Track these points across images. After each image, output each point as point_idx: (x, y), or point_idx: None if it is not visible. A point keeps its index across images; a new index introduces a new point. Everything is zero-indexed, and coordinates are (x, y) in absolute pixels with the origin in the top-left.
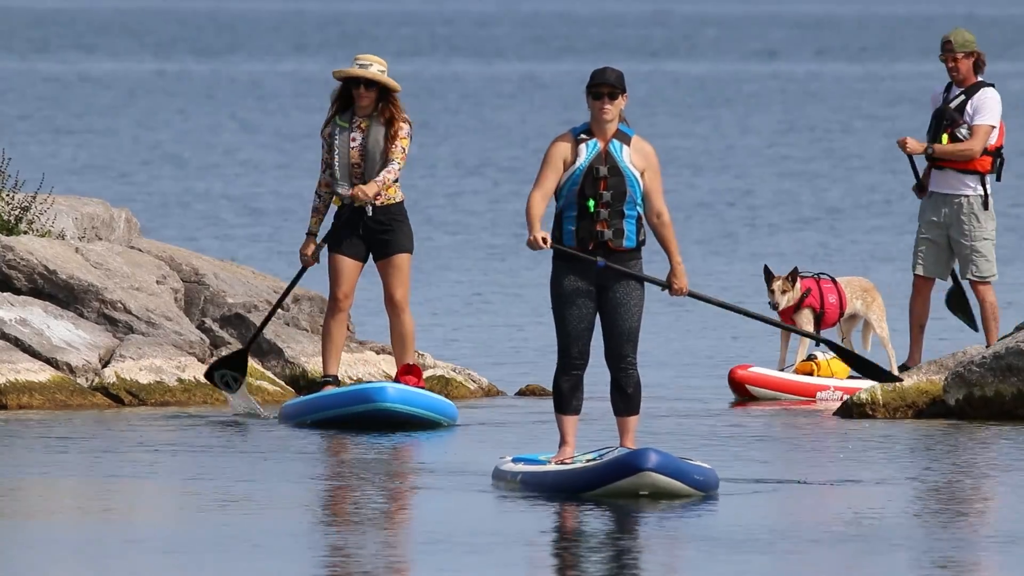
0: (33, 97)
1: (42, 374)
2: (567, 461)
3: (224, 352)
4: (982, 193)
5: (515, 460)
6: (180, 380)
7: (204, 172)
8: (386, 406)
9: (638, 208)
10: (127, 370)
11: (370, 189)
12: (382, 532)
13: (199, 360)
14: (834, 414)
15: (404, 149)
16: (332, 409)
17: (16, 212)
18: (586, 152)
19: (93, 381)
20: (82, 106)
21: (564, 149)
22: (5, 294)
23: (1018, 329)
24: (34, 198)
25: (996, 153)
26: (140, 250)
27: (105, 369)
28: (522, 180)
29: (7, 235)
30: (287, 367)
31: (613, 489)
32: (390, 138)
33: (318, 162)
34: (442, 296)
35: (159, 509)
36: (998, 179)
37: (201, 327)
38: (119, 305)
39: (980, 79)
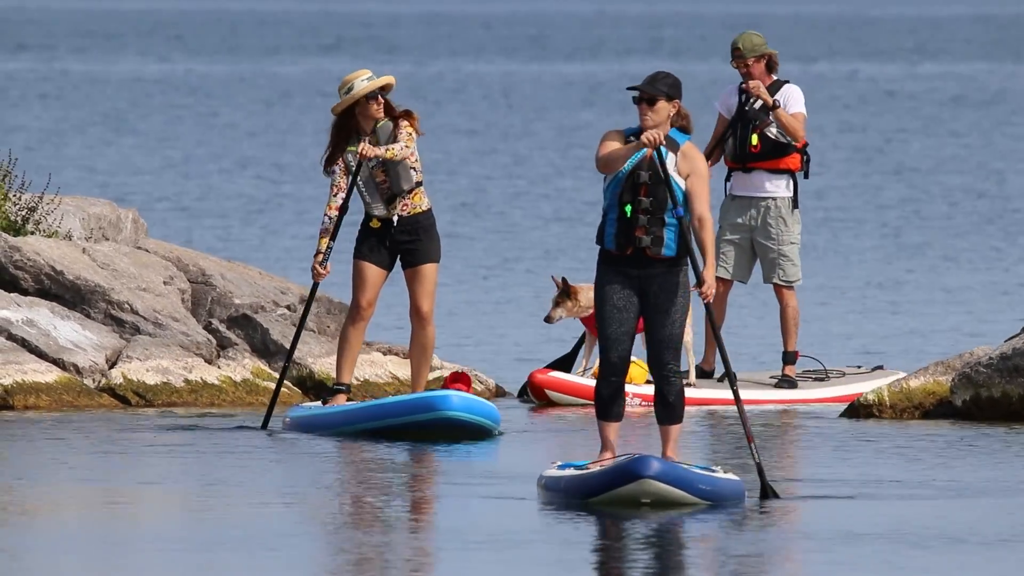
0: (55, 98)
1: (49, 375)
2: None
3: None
4: (791, 194)
5: (561, 467)
6: (187, 381)
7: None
8: (451, 414)
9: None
10: (134, 371)
11: (375, 150)
12: (404, 534)
13: (206, 361)
14: (840, 415)
15: (410, 134)
16: (391, 418)
17: (23, 212)
18: (632, 156)
19: (100, 382)
20: (106, 106)
21: (616, 144)
22: (12, 295)
23: None
24: (41, 198)
25: (803, 150)
26: (147, 251)
27: (112, 370)
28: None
29: (14, 235)
30: (294, 368)
31: (615, 496)
32: (397, 134)
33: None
34: (472, 298)
35: (169, 510)
36: (806, 176)
37: (208, 328)
38: (126, 306)
39: (776, 78)
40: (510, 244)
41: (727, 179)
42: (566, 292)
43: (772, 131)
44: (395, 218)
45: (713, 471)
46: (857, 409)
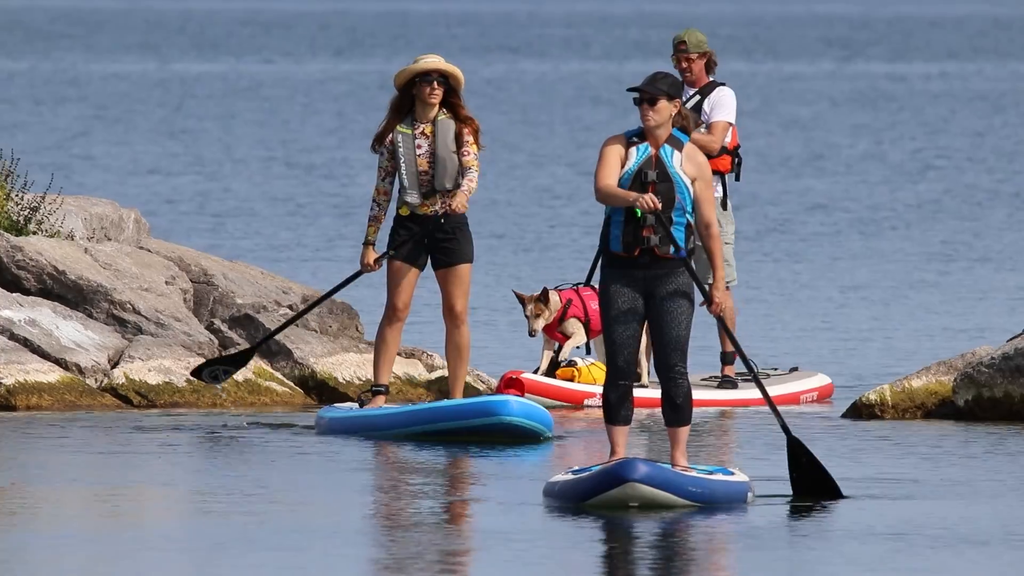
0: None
1: (51, 375)
2: None
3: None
4: (721, 195)
5: (567, 472)
6: (189, 381)
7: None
8: (510, 420)
9: (688, 216)
10: (136, 371)
11: (461, 200)
12: (429, 536)
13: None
14: (843, 416)
15: (476, 155)
16: (447, 421)
17: (25, 212)
18: (636, 156)
19: (102, 382)
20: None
21: (617, 149)
22: (14, 295)
23: None
24: (43, 198)
25: (734, 152)
26: (149, 251)
27: (114, 370)
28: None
29: (16, 235)
30: (296, 368)
31: (604, 500)
32: (462, 143)
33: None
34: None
35: (173, 510)
36: (737, 179)
37: (210, 328)
38: (128, 306)
39: (712, 79)
40: (526, 247)
41: None
42: (544, 299)
43: (702, 132)
44: (440, 215)
45: (713, 473)
46: (859, 409)
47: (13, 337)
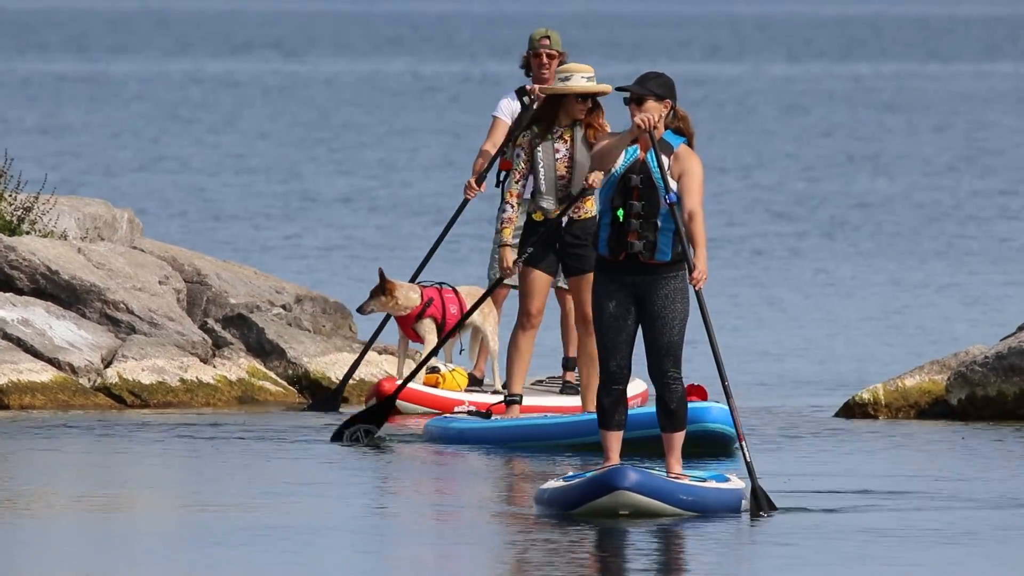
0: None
1: (44, 374)
2: None
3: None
4: None
5: (562, 479)
6: (182, 380)
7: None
8: (712, 426)
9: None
10: (129, 370)
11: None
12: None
13: (201, 360)
14: (835, 415)
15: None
16: (632, 430)
17: (19, 212)
18: (624, 159)
19: (95, 381)
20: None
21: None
22: (7, 294)
23: (1021, 329)
24: (36, 199)
25: None
26: (142, 250)
27: (107, 369)
28: None
29: (9, 235)
30: (289, 367)
31: (594, 508)
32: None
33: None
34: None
35: (164, 511)
36: None
37: (203, 327)
38: (121, 305)
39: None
40: None
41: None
42: (381, 287)
43: None
44: (564, 220)
45: (708, 480)
46: (852, 408)
47: (6, 337)
